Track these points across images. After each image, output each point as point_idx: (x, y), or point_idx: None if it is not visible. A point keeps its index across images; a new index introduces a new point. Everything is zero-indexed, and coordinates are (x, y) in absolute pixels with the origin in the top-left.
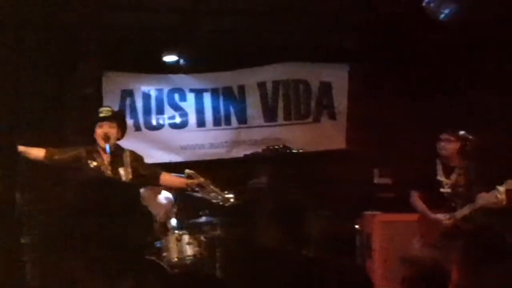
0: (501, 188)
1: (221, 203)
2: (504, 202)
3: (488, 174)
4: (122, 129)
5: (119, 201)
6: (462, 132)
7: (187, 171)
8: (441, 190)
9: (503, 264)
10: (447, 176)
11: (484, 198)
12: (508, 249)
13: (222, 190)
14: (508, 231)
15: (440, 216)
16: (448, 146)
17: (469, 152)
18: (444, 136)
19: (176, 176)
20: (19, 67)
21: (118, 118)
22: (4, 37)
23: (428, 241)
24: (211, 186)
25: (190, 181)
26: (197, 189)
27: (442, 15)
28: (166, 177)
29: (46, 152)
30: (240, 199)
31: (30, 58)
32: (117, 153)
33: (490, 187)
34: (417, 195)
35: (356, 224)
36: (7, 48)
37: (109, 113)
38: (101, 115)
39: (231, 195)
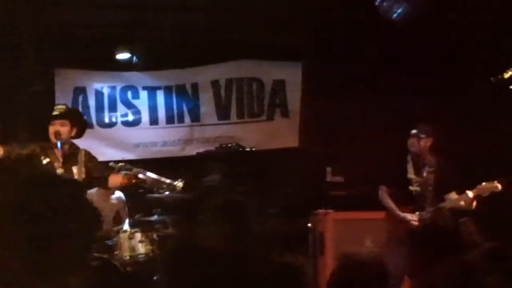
0: (470, 194)
1: (167, 192)
2: (472, 207)
3: (459, 174)
4: (78, 128)
5: (64, 198)
6: (431, 128)
7: (112, 164)
8: (410, 188)
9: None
10: (418, 173)
11: (453, 201)
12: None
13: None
14: (476, 232)
15: (408, 215)
16: (419, 142)
17: (441, 149)
18: (415, 132)
19: (122, 175)
20: None
21: (70, 117)
22: None
23: (394, 239)
24: (153, 176)
25: (127, 177)
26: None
27: (395, 15)
28: (112, 179)
29: (5, 149)
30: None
31: None
32: (72, 151)
33: (460, 187)
34: (386, 191)
35: (309, 223)
36: None
37: (61, 111)
38: (54, 113)
39: (179, 182)
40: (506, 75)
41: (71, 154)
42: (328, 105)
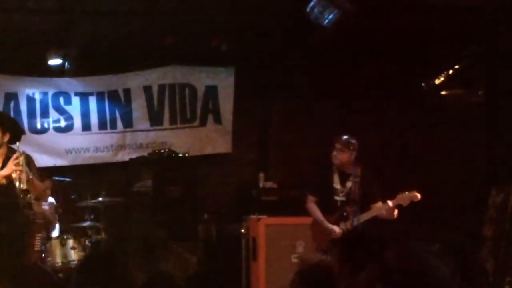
0: (391, 203)
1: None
2: (394, 216)
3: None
4: (10, 132)
5: None
6: (353, 141)
7: None
8: (336, 198)
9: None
10: (342, 183)
11: (377, 209)
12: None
13: (108, 194)
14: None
15: (333, 227)
16: (340, 155)
17: (363, 159)
18: (336, 145)
19: None
20: None
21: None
22: None
23: (319, 246)
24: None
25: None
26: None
27: (326, 21)
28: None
29: None
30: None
31: None
32: (10, 155)
33: (384, 195)
34: (312, 200)
35: (242, 228)
36: None
37: None
38: None
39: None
40: (437, 81)
41: (7, 159)
42: (261, 111)
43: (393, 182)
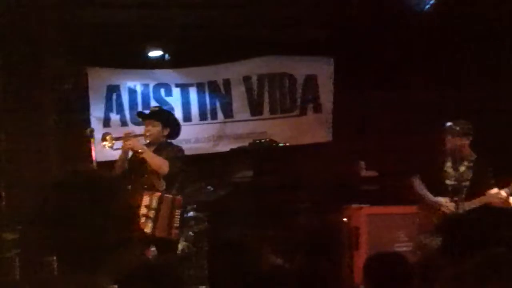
0: (504, 193)
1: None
2: (510, 205)
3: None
4: (170, 127)
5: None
6: (468, 126)
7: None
8: (447, 182)
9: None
10: (455, 168)
11: (490, 196)
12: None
13: (207, 184)
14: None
15: (443, 200)
16: (454, 140)
17: (478, 145)
18: (450, 130)
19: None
20: None
21: (160, 117)
22: None
23: (425, 230)
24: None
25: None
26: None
27: (427, 6)
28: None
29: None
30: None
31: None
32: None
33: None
34: (420, 181)
35: (343, 217)
36: None
37: (152, 112)
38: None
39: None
40: None
41: (157, 153)
42: (360, 99)
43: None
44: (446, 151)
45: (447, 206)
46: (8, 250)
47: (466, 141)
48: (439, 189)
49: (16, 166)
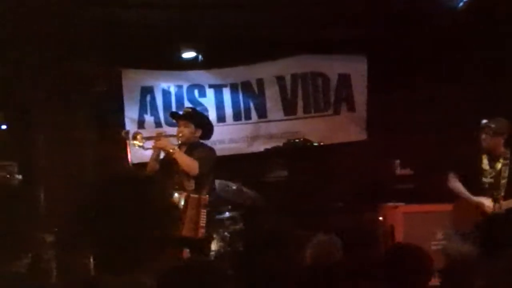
0: None
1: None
2: None
3: None
4: (202, 128)
5: (143, 196)
6: (505, 124)
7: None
8: (483, 179)
9: None
10: (491, 165)
11: None
12: None
13: (242, 184)
14: None
15: (483, 199)
16: (489, 139)
17: None
18: (488, 127)
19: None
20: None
21: (192, 118)
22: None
23: (461, 230)
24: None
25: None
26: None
27: (460, 3)
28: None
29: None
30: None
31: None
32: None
33: None
34: (457, 179)
35: (379, 216)
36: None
37: (184, 113)
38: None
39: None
40: None
41: (189, 154)
42: (394, 97)
43: None
44: (481, 149)
45: (489, 206)
46: (45, 251)
47: (501, 139)
48: (476, 186)
49: (54, 169)
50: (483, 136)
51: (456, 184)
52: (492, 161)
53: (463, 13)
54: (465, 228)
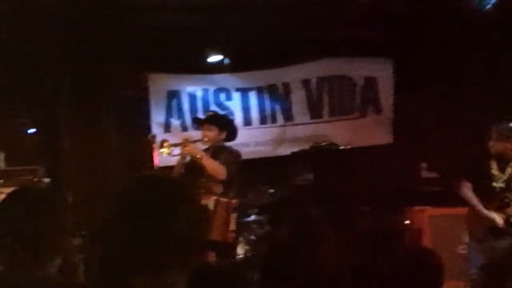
0: None
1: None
2: None
3: None
4: (227, 131)
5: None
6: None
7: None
8: (494, 184)
9: None
10: (501, 170)
11: None
12: None
13: (268, 188)
14: None
15: (494, 215)
16: (497, 145)
17: None
18: (494, 134)
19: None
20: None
21: (216, 122)
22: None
23: (475, 236)
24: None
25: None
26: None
27: (488, 5)
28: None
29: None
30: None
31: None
32: (217, 154)
33: None
34: (468, 186)
35: (406, 219)
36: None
37: (207, 117)
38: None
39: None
40: None
41: (214, 157)
42: (421, 100)
43: None
44: (491, 154)
45: (500, 223)
46: (73, 255)
47: (510, 144)
48: (488, 191)
49: (81, 173)
50: (491, 142)
51: (466, 193)
52: (502, 166)
53: (491, 14)
54: (478, 234)
